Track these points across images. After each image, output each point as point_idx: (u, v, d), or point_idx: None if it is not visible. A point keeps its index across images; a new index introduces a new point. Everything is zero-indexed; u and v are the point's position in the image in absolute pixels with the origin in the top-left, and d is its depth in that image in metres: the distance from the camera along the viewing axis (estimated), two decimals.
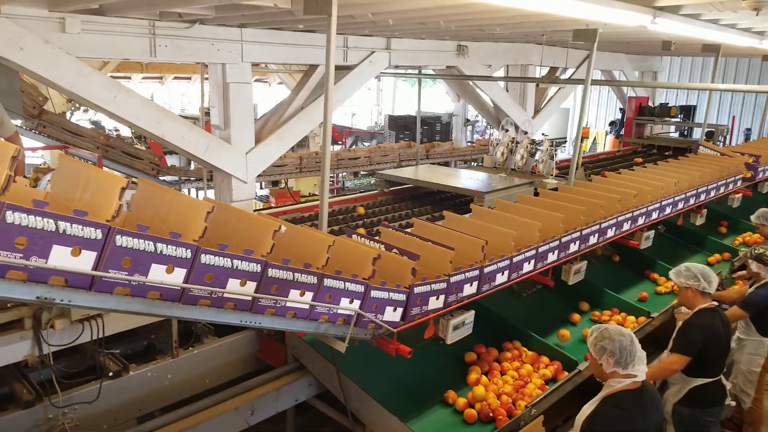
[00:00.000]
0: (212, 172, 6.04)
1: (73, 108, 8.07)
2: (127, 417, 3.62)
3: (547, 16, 4.74)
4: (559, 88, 9.90)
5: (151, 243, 2.15)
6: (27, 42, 4.49)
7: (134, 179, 2.62)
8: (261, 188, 11.10)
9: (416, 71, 9.57)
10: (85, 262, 2.04)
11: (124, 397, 3.60)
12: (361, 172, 12.02)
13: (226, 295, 2.35)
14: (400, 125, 14.44)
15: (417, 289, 2.98)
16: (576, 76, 9.81)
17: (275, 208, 6.71)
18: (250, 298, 2.41)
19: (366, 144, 14.67)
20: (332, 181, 11.34)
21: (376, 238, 3.37)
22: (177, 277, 2.22)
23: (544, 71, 10.46)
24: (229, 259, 2.33)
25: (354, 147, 12.81)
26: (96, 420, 3.53)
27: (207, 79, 5.83)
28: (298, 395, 3.73)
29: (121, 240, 2.09)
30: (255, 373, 3.95)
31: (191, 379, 3.82)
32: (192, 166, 9.03)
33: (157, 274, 2.19)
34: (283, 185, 9.65)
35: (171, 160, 9.41)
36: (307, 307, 2.58)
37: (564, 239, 4.18)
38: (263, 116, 6.42)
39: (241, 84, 5.64)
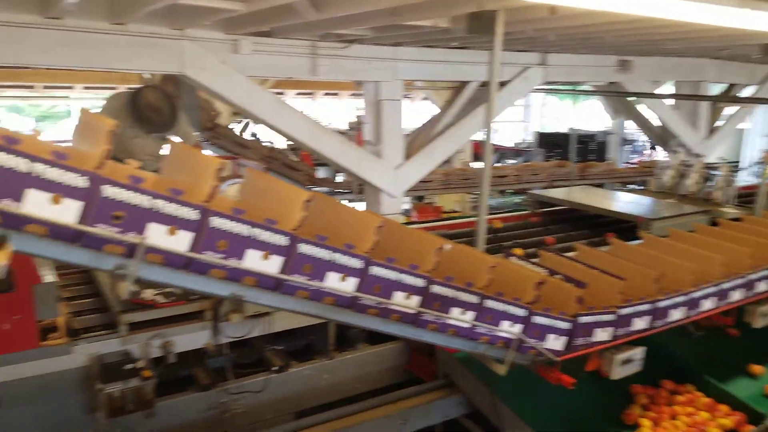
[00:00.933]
0: (362, 185, 6.35)
1: (236, 121, 9.01)
2: (287, 410, 3.95)
3: (736, 30, 4.34)
4: (740, 108, 8.93)
5: (329, 252, 2.34)
6: (207, 62, 5.10)
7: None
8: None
9: (570, 86, 9.24)
10: (272, 265, 2.28)
11: (285, 391, 3.93)
12: (507, 191, 11.85)
13: (391, 306, 2.47)
14: (550, 143, 14.00)
15: (583, 319, 2.89)
16: (761, 93, 8.79)
17: (420, 223, 6.87)
18: (413, 312, 2.50)
19: (511, 162, 14.44)
20: (474, 199, 11.32)
21: (535, 260, 3.33)
22: (349, 286, 2.39)
23: (718, 87, 9.52)
24: (396, 272, 2.46)
25: (499, 164, 12.67)
26: (261, 409, 3.89)
27: (355, 95, 6.15)
28: (449, 412, 3.79)
29: (303, 248, 2.31)
30: (403, 384, 4.08)
31: (344, 381, 4.05)
32: (336, 179, 9.58)
33: (333, 281, 2.37)
34: (427, 200, 9.84)
35: (320, 173, 10.07)
36: (468, 326, 2.62)
37: (752, 277, 3.78)
38: (413, 132, 6.63)
39: (393, 101, 5.89)
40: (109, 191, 2.01)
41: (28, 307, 3.41)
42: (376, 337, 4.24)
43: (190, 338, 3.83)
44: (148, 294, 3.87)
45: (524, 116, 20.95)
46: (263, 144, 8.50)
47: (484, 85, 6.42)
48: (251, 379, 3.91)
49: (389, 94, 5.76)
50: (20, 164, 1.89)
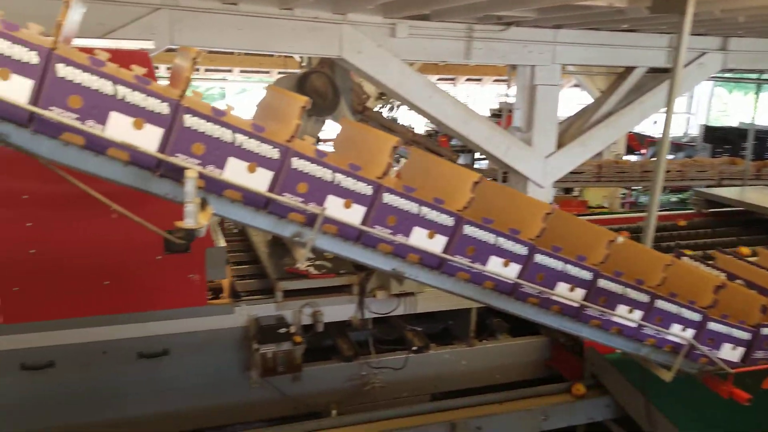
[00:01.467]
0: (507, 174, 6.26)
1: (380, 105, 9.27)
2: (424, 390, 4.07)
3: None
4: None
5: (493, 236, 2.36)
6: (364, 46, 5.28)
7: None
8: None
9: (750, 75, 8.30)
10: (437, 244, 2.35)
11: (424, 371, 4.05)
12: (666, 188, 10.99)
13: (554, 297, 2.44)
14: (718, 137, 12.75)
15: (766, 331, 2.64)
16: None
17: None
18: (576, 305, 2.45)
19: (670, 156, 13.34)
20: (623, 195, 10.66)
21: (710, 263, 3.08)
22: (512, 272, 2.39)
23: None
24: (561, 263, 2.41)
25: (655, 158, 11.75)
26: (399, 386, 4.05)
27: (498, 81, 6.02)
28: (593, 414, 3.67)
29: (468, 230, 2.35)
30: (543, 380, 4.02)
31: (483, 370, 4.08)
32: (474, 166, 9.52)
33: (495, 265, 2.39)
34: (576, 193, 9.47)
35: (459, 160, 10.09)
36: (634, 325, 2.51)
37: None
38: (566, 120, 6.38)
39: (549, 86, 5.70)
40: (297, 163, 2.20)
41: (200, 267, 3.84)
42: (517, 329, 4.20)
43: (338, 310, 4.07)
44: (303, 265, 4.18)
45: (687, 108, 19.18)
46: (408, 128, 8.69)
47: (652, 71, 5.99)
48: (392, 356, 4.07)
49: (545, 79, 5.59)
50: (225, 134, 2.13)
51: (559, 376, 4.06)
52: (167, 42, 4.79)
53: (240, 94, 18.43)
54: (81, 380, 3.77)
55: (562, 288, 2.41)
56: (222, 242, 3.94)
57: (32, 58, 1.94)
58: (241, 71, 12.77)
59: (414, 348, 4.04)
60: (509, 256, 2.38)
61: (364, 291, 3.98)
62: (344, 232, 2.32)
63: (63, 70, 1.97)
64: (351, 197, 2.26)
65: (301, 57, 7.16)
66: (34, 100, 1.98)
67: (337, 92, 5.18)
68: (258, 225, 2.37)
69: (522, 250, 2.37)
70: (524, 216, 2.46)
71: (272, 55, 10.75)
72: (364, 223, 2.30)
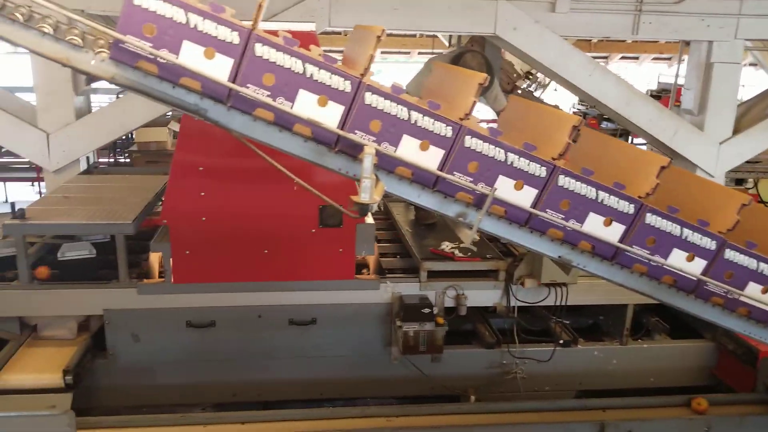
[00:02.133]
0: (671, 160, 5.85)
1: (528, 83, 9.02)
2: (568, 386, 3.99)
3: None
4: None
5: (678, 227, 2.24)
6: (520, 22, 5.18)
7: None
8: None
9: None
10: (614, 233, 2.28)
11: (569, 367, 3.96)
12: None
13: (743, 299, 2.27)
14: None
15: None
16: None
17: None
18: None
19: None
20: None
21: None
22: (696, 267, 2.26)
23: None
24: (755, 261, 2.24)
25: None
26: (542, 380, 4.01)
27: (657, 60, 5.58)
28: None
29: (650, 218, 2.25)
30: (706, 389, 3.76)
31: (636, 371, 3.92)
32: None
33: (677, 259, 2.27)
34: (749, 185, 8.59)
35: None
36: None
37: None
38: (745, 103, 5.81)
39: (729, 65, 5.22)
40: (469, 142, 2.24)
41: (350, 242, 4.06)
42: (677, 331, 3.96)
43: (481, 295, 4.09)
44: (447, 246, 4.25)
45: None
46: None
47: None
48: (537, 347, 4.03)
49: (725, 56, 5.13)
50: (402, 112, 2.22)
51: (725, 386, 3.77)
52: (326, 24, 5.05)
53: (375, 76, 18.83)
54: (238, 341, 4.17)
55: (753, 289, 2.24)
56: (371, 219, 4.12)
57: (234, 38, 2.15)
58: (382, 52, 13.09)
59: (561, 341, 3.96)
60: (695, 250, 2.24)
61: (512, 278, 3.96)
62: (512, 214, 2.33)
63: (260, 50, 2.16)
64: (523, 178, 2.26)
65: (450, 36, 7.18)
66: (233, 77, 2.21)
67: (491, 71, 5.15)
68: (423, 203, 2.45)
69: (710, 244, 2.23)
70: (713, 206, 2.30)
71: (415, 35, 10.90)
72: (535, 206, 2.29)
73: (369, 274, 4.26)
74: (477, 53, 4.70)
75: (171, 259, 4.05)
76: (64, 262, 4.27)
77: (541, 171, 2.24)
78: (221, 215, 3.99)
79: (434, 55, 7.07)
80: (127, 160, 10.07)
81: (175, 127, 10.10)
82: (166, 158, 9.56)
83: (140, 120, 6.23)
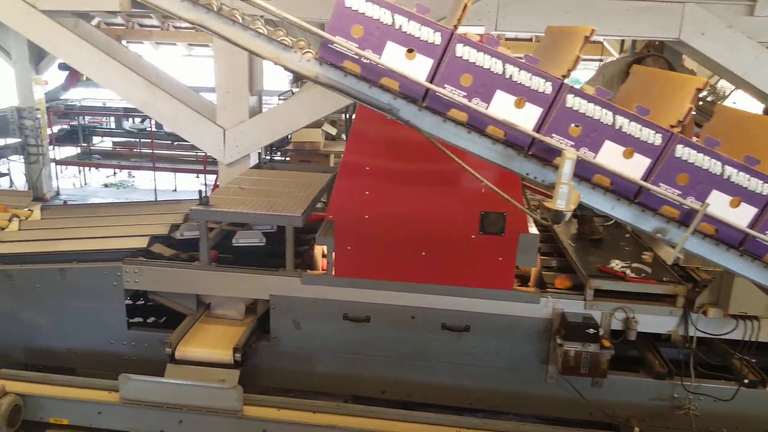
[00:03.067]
0: None
1: (707, 93, 8.29)
2: (753, 430, 3.58)
3: None
4: None
5: None
6: (710, 26, 4.76)
7: None
8: None
9: None
10: None
11: (754, 410, 3.56)
12: None
13: None
14: None
15: None
16: None
17: None
18: None
19: None
20: None
21: None
22: None
23: None
24: None
25: None
26: (719, 420, 3.65)
27: None
28: None
29: None
30: None
31: None
32: None
33: None
34: None
35: None
36: None
37: None
38: None
39: None
40: (681, 152, 2.08)
41: (511, 252, 3.97)
42: None
43: (655, 320, 3.80)
44: (617, 265, 4.01)
45: None
46: None
47: None
48: (716, 383, 3.66)
49: None
50: (606, 116, 2.12)
51: None
52: (493, 27, 5.01)
53: None
54: (391, 339, 4.26)
55: None
56: (534, 229, 4.00)
57: (436, 38, 2.19)
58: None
59: (746, 381, 3.55)
60: None
61: (692, 305, 3.63)
62: (724, 234, 2.13)
63: (461, 50, 2.18)
64: (741, 195, 2.05)
65: (622, 42, 6.83)
66: (431, 77, 2.25)
67: None
68: (616, 215, 2.32)
69: None
70: None
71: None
72: (752, 226, 2.07)
73: (528, 287, 4.14)
74: (660, 58, 4.38)
75: (333, 253, 4.24)
76: (238, 248, 4.64)
77: (764, 188, 2.02)
78: (383, 215, 4.11)
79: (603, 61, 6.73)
80: (283, 158, 10.76)
81: (329, 129, 10.66)
82: (318, 158, 10.13)
83: (304, 121, 6.62)
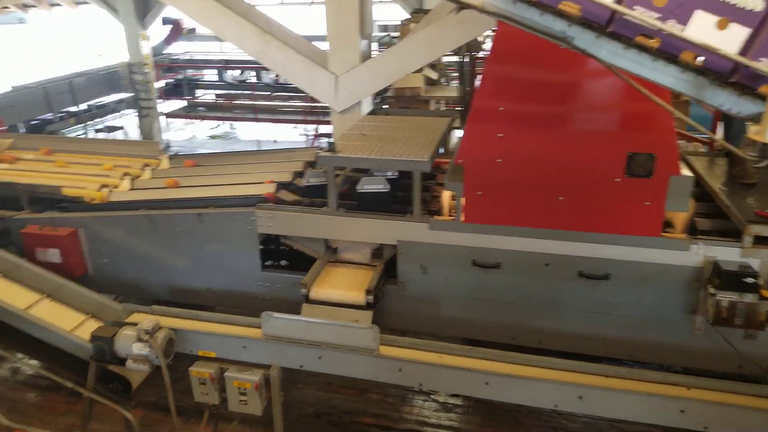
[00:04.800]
0: None
1: None
2: None
3: None
4: None
5: None
6: None
7: None
8: None
9: None
10: None
11: None
12: None
13: None
14: None
15: None
16: None
17: None
18: None
19: None
20: None
21: None
22: None
23: None
24: None
25: None
26: None
27: None
28: None
29: None
30: None
31: None
32: None
33: None
34: None
35: None
36: None
37: None
38: None
39: None
40: None
41: (660, 195, 3.75)
42: None
43: None
44: None
45: None
46: None
47: None
48: None
49: None
50: None
51: None
52: None
53: None
54: (522, 286, 4.20)
55: None
56: (688, 171, 3.75)
57: None
58: None
59: None
60: None
61: None
62: None
63: None
64: None
65: None
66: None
67: None
68: None
69: None
70: None
71: None
72: None
73: (675, 233, 3.91)
74: None
75: (463, 199, 4.19)
76: (363, 194, 4.70)
77: None
78: (517, 158, 3.99)
79: None
80: (381, 105, 10.74)
81: (430, 73, 10.44)
82: (418, 104, 9.98)
83: (419, 63, 6.51)
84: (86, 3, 14.32)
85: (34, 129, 10.86)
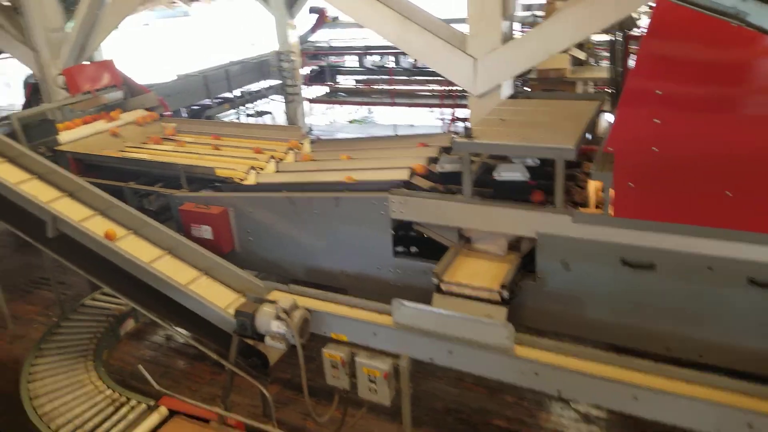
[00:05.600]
0: None
1: None
2: None
3: None
4: None
5: None
6: None
7: None
8: None
9: None
10: None
11: None
12: None
13: None
14: None
15: None
16: None
17: None
18: None
19: None
20: None
21: None
22: None
23: None
24: None
25: None
26: None
27: None
28: None
29: None
30: None
31: None
32: None
33: None
34: None
35: None
36: None
37: None
38: None
39: None
40: None
41: None
42: None
43: None
44: None
45: None
46: None
47: None
48: None
49: None
50: None
51: None
52: None
53: None
54: (680, 291, 3.75)
55: None
56: None
57: None
58: None
59: None
60: None
61: None
62: None
63: None
64: None
65: None
66: None
67: None
68: None
69: None
70: None
71: None
72: None
73: None
74: None
75: (612, 190, 3.82)
76: (500, 182, 4.46)
77: None
78: (677, 146, 3.54)
79: None
80: (523, 87, 10.26)
81: (577, 53, 9.77)
82: (563, 86, 9.37)
83: (565, 44, 6.06)
84: None
85: (194, 114, 11.80)
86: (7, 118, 6.92)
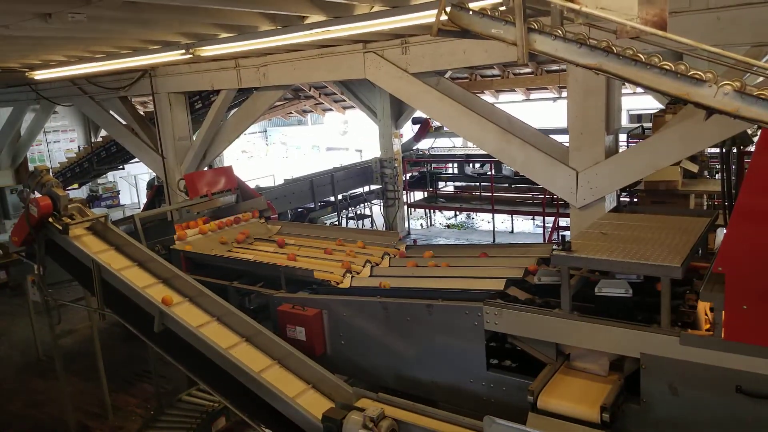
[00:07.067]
0: None
1: None
2: None
3: None
4: None
5: None
6: None
7: None
8: None
9: None
10: None
11: None
12: None
13: None
14: None
15: None
16: None
17: None
18: None
19: None
20: None
21: None
22: None
23: None
24: None
25: None
26: None
27: None
28: None
29: None
30: None
31: None
32: None
33: None
34: None
35: None
36: None
37: None
38: None
39: None
40: None
41: None
42: None
43: None
44: None
45: None
46: None
47: None
48: None
49: None
50: None
51: None
52: None
53: None
54: None
55: None
56: None
57: None
58: None
59: None
60: None
61: None
62: None
63: None
64: None
65: None
66: None
67: None
68: None
69: None
70: None
71: None
72: None
73: None
74: None
75: (723, 312, 3.69)
76: (601, 298, 4.43)
77: None
78: None
79: None
80: (630, 200, 10.14)
81: (689, 165, 9.61)
82: (675, 199, 9.18)
83: (672, 158, 6.12)
84: (352, 107, 16.60)
85: (297, 216, 12.65)
86: (131, 217, 7.87)
